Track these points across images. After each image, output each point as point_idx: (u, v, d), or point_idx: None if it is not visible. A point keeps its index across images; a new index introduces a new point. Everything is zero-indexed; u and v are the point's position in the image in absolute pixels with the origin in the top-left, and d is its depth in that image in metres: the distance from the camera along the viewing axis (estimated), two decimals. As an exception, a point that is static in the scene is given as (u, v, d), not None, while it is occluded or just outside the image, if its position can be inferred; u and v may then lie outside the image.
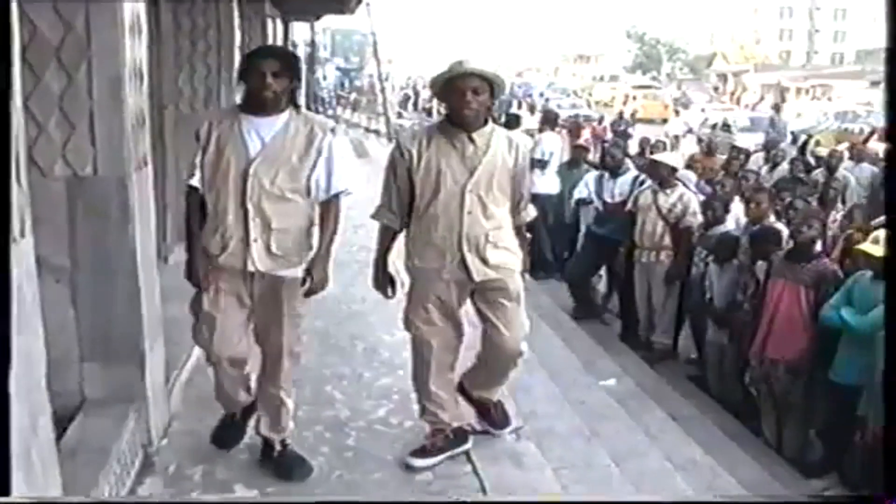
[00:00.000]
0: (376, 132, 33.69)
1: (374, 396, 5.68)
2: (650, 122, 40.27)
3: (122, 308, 4.51)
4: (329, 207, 4.46)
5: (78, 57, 4.27)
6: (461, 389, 5.07)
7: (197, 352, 6.13)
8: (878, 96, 41.76)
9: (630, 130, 24.49)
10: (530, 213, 4.92)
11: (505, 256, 4.68)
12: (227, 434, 4.88)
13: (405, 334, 6.90)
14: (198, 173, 4.40)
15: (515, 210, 4.77)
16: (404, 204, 4.68)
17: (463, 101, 4.45)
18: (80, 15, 4.24)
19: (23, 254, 2.97)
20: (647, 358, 8.52)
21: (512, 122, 13.57)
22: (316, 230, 4.48)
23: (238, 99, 4.56)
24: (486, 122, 4.62)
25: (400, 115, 39.33)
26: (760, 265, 7.14)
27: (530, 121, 19.11)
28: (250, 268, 4.36)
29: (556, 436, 5.23)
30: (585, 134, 17.47)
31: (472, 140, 4.55)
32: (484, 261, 4.61)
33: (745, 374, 7.17)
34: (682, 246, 8.48)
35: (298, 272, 4.43)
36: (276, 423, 4.66)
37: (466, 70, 4.50)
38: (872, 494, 4.76)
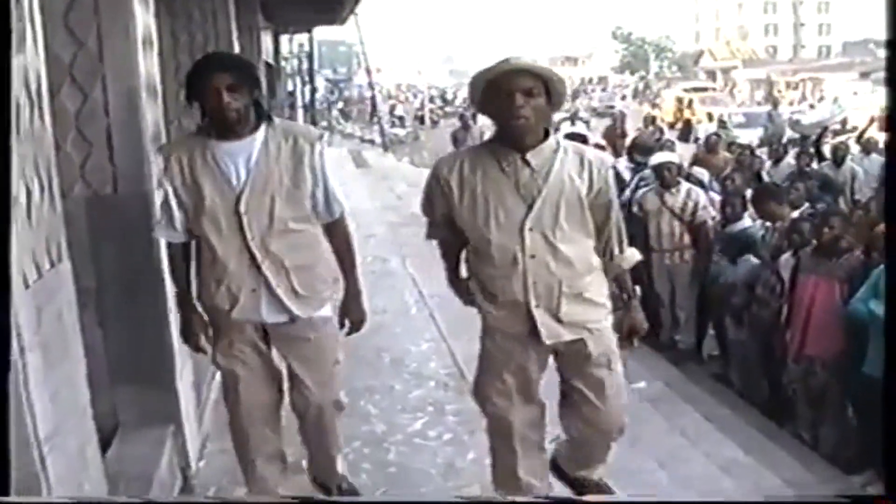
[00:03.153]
0: (371, 142, 33.72)
1: (408, 409, 5.60)
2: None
3: (150, 329, 4.41)
4: (337, 232, 3.96)
5: (91, 74, 4.16)
6: (554, 468, 4.18)
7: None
8: (868, 87, 41.91)
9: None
10: (631, 256, 3.93)
11: (588, 311, 3.73)
12: None
13: (430, 344, 6.93)
14: (172, 221, 3.83)
15: (605, 250, 3.80)
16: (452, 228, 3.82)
17: (512, 107, 3.45)
18: (92, 31, 4.13)
19: (62, 279, 2.86)
20: (673, 358, 8.40)
21: None
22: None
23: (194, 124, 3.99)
24: (545, 135, 3.65)
25: (393, 124, 39.30)
26: (784, 261, 7.01)
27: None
28: (270, 320, 3.86)
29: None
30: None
31: (526, 162, 3.58)
32: (557, 319, 3.67)
33: (776, 373, 7.07)
34: (701, 242, 8.39)
35: (330, 309, 4.01)
36: (334, 470, 4.35)
37: (515, 66, 3.50)
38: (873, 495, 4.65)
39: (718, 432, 6.26)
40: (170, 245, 3.96)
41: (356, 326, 4.06)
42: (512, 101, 3.45)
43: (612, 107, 40.43)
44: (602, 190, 3.70)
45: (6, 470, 2.30)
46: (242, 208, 3.70)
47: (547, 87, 3.53)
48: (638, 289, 4.14)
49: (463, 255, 3.96)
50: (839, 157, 12.30)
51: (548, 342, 3.69)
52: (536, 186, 3.58)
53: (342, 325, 4.03)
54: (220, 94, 3.58)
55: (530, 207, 3.58)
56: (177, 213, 3.80)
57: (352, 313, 4.02)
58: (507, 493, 3.97)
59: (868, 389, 6.09)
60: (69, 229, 4.02)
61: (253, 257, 3.74)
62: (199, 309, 3.96)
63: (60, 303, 2.82)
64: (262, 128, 3.76)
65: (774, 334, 7.08)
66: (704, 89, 50.41)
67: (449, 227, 3.84)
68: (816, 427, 6.75)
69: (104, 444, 4.16)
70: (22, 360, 2.38)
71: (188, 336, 4.01)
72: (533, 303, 3.64)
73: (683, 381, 7.70)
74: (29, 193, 2.57)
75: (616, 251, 3.84)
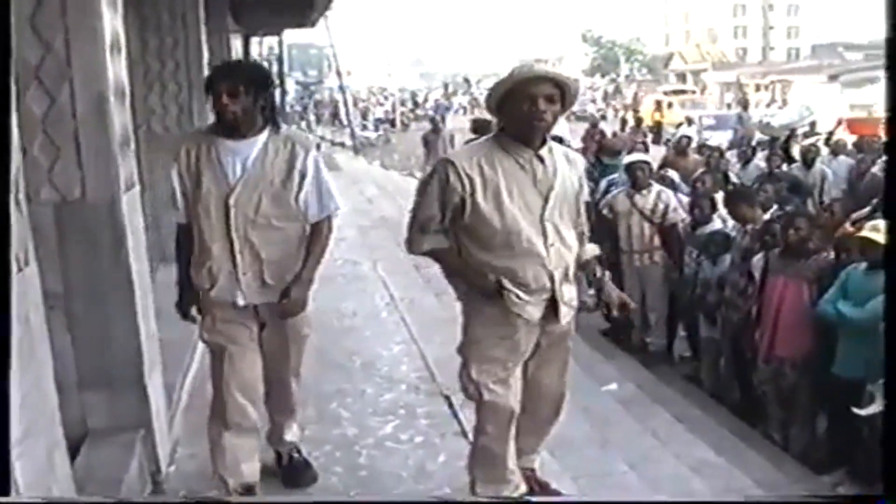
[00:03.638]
0: (342, 144, 33.68)
1: (379, 413, 5.58)
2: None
3: (119, 333, 4.37)
4: (320, 228, 4.25)
5: (59, 78, 4.11)
6: None
7: (192, 374, 6.01)
8: (837, 90, 42.23)
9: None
10: (592, 249, 4.22)
11: (575, 291, 4.06)
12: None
13: (402, 347, 6.91)
14: (180, 205, 4.23)
15: (579, 241, 4.09)
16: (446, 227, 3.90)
17: (535, 110, 3.67)
18: (59, 34, 4.08)
19: (28, 283, 2.84)
20: (644, 360, 8.43)
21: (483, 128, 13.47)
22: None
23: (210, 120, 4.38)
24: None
25: (364, 128, 39.26)
26: (756, 261, 7.05)
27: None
28: (240, 302, 4.16)
29: (570, 444, 5.11)
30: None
31: (540, 159, 3.81)
32: (563, 301, 3.95)
33: (747, 374, 7.12)
34: (672, 244, 8.43)
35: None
36: (281, 437, 4.68)
37: (539, 73, 3.78)
38: (873, 495, 4.67)
39: (689, 433, 6.30)
40: (179, 227, 4.33)
41: (292, 308, 4.21)
42: (535, 105, 3.67)
43: (584, 110, 40.18)
44: (583, 187, 4.08)
45: (6, 470, 2.28)
46: (232, 201, 4.05)
47: (563, 94, 3.75)
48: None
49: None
50: (809, 159, 12.37)
51: (563, 322, 3.98)
52: (548, 181, 3.83)
53: (280, 303, 4.19)
54: (221, 97, 3.97)
55: (546, 200, 3.82)
56: (180, 198, 4.20)
57: (294, 292, 4.17)
58: (495, 480, 4.11)
59: (837, 390, 6.15)
60: (36, 234, 4.01)
61: (232, 246, 4.09)
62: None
63: (27, 307, 2.79)
64: (266, 132, 4.11)
65: (744, 335, 7.12)
66: (683, 92, 50.44)
67: (447, 228, 3.90)
68: (787, 427, 6.80)
69: (73, 449, 4.13)
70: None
71: (181, 308, 4.36)
72: (556, 288, 3.89)
73: (654, 383, 7.75)
74: (-4, 198, 2.54)
75: (585, 242, 4.16)
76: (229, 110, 3.98)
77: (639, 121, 26.70)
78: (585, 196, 4.19)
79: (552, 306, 3.93)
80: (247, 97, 4.00)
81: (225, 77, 4.06)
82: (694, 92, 53.02)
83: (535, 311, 3.92)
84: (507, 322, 3.92)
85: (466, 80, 77.72)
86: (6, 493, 2.28)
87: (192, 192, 4.15)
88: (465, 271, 3.95)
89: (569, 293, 3.98)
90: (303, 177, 4.11)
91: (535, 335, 4.00)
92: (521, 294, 3.86)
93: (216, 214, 4.09)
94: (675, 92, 48.93)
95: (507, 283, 3.85)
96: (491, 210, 3.78)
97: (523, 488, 4.22)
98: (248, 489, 4.27)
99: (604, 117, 19.91)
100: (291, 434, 4.71)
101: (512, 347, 3.97)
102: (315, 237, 4.23)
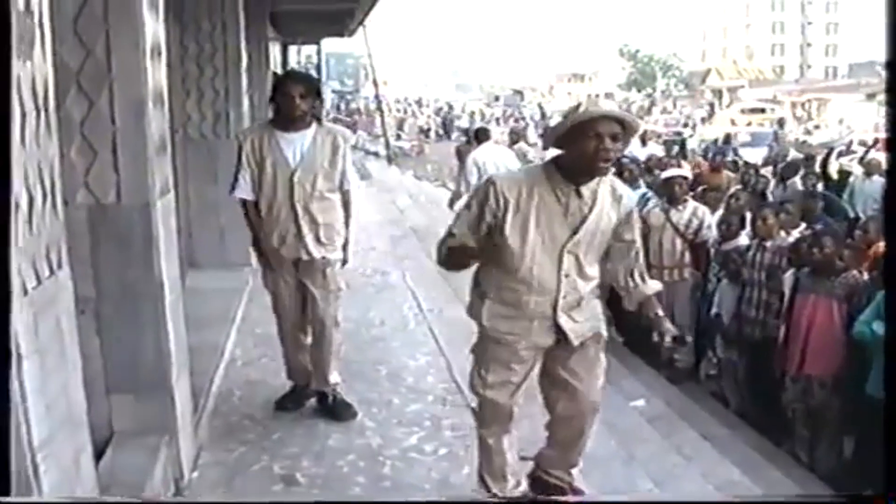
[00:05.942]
0: (376, 154, 33.69)
1: (405, 423, 5.58)
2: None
3: (148, 338, 4.38)
4: (348, 199, 5.56)
5: (99, 82, 4.15)
6: (534, 475, 4.51)
7: (219, 380, 6.05)
8: (874, 108, 41.88)
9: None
10: (653, 285, 4.33)
11: (596, 308, 4.18)
12: (290, 401, 5.80)
13: (429, 358, 6.90)
14: (245, 184, 5.36)
15: (628, 281, 4.23)
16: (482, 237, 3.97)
17: (601, 148, 3.73)
18: (100, 39, 4.12)
19: (61, 286, 2.87)
20: (671, 377, 8.38)
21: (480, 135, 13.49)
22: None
23: (268, 116, 5.62)
24: None
25: (399, 137, 39.30)
26: (787, 278, 7.01)
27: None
28: (304, 257, 5.40)
29: (595, 460, 5.06)
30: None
31: (579, 194, 3.89)
32: (575, 321, 4.05)
33: (773, 392, 7.07)
34: (700, 261, 8.39)
35: (339, 254, 5.54)
36: (327, 379, 5.64)
37: (607, 112, 3.83)
38: (873, 495, 4.61)
39: (715, 451, 6.24)
40: (244, 203, 5.45)
41: (344, 262, 5.65)
42: (602, 144, 3.72)
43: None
44: (627, 221, 4.08)
45: (6, 470, 2.31)
46: (296, 179, 5.29)
47: (624, 133, 3.83)
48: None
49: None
50: (842, 179, 12.30)
51: (576, 342, 4.07)
52: (581, 215, 3.91)
53: (343, 263, 5.60)
54: (294, 98, 5.21)
55: (574, 233, 3.91)
56: (248, 179, 5.36)
57: (343, 253, 5.59)
58: (489, 472, 4.32)
59: (871, 410, 6.08)
60: (70, 237, 4.06)
61: (296, 214, 5.33)
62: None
63: (59, 310, 2.82)
64: (314, 126, 5.37)
65: (772, 353, 7.08)
66: (762, 111, 48.35)
67: (479, 239, 3.95)
68: (814, 447, 6.75)
69: (98, 453, 4.17)
70: (18, 366, 2.38)
71: (260, 253, 5.62)
72: (560, 315, 3.99)
73: (682, 400, 7.68)
74: (31, 200, 2.56)
75: (639, 280, 4.25)
76: (300, 108, 5.23)
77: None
78: (636, 233, 4.21)
79: (560, 330, 4.04)
80: (311, 99, 5.29)
81: (298, 82, 5.37)
82: (773, 111, 50.02)
83: (539, 339, 4.08)
84: (509, 342, 4.09)
85: (519, 93, 77.71)
86: (6, 492, 2.30)
87: (258, 173, 5.33)
88: (459, 255, 3.97)
89: (580, 316, 4.06)
90: (343, 160, 5.41)
91: (542, 352, 4.14)
92: (512, 318, 4.03)
93: (282, 189, 5.30)
94: (754, 111, 47.13)
95: (492, 307, 4.06)
96: (514, 234, 3.89)
97: (524, 486, 4.42)
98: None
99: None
100: (334, 377, 5.68)
101: (516, 360, 4.11)
102: (348, 205, 5.56)
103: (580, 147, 3.77)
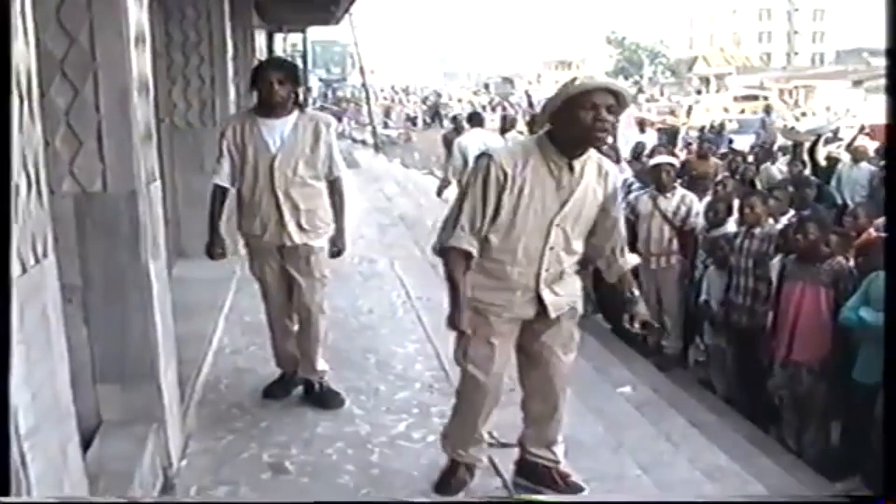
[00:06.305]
0: (363, 142, 33.65)
1: (393, 411, 5.58)
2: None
3: (135, 327, 4.36)
4: (335, 189, 5.51)
5: (83, 70, 4.12)
6: (520, 459, 4.61)
7: (207, 369, 6.05)
8: (861, 95, 41.96)
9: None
10: (630, 259, 4.39)
11: (575, 283, 4.28)
12: (278, 389, 5.81)
13: (417, 346, 6.91)
14: (222, 171, 5.37)
15: (611, 252, 4.29)
16: (483, 226, 4.03)
17: (597, 120, 3.80)
18: (84, 27, 4.09)
19: (47, 274, 2.85)
20: (659, 364, 8.40)
21: (474, 119, 13.57)
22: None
23: (249, 104, 5.64)
24: None
25: (386, 125, 39.23)
26: (773, 266, 7.04)
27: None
28: (287, 243, 5.39)
29: (583, 446, 5.10)
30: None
31: (570, 167, 3.97)
32: (556, 293, 4.14)
33: (760, 379, 7.11)
34: (689, 248, 8.40)
35: (324, 241, 5.52)
36: (314, 367, 5.66)
37: (602, 85, 3.89)
38: (873, 495, 4.65)
39: (703, 438, 6.25)
40: (216, 187, 5.42)
41: (339, 252, 5.65)
42: (597, 114, 3.81)
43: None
44: (612, 197, 4.18)
45: (6, 470, 2.30)
46: (276, 165, 5.27)
47: (618, 105, 3.90)
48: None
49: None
50: (830, 165, 12.34)
51: (554, 315, 4.18)
52: (571, 188, 4.00)
53: (331, 253, 5.59)
54: (273, 84, 5.20)
55: (562, 206, 4.00)
56: (227, 166, 5.38)
57: (339, 241, 5.60)
58: (465, 442, 4.44)
59: (858, 396, 6.13)
60: (56, 226, 4.02)
61: (278, 200, 5.31)
62: (222, 233, 5.56)
63: (44, 299, 2.80)
64: (295, 113, 5.36)
65: (759, 339, 7.10)
66: (755, 98, 46.37)
67: (479, 225, 4.02)
68: (801, 433, 6.78)
69: (86, 442, 4.15)
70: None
71: (211, 251, 5.55)
72: (542, 287, 4.10)
73: (669, 387, 7.69)
74: (16, 188, 2.55)
75: (619, 255, 4.31)
76: (279, 94, 5.21)
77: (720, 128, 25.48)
78: (619, 210, 4.33)
79: (541, 302, 4.14)
80: (290, 85, 5.28)
81: (276, 69, 5.36)
82: (766, 98, 47.60)
83: (521, 311, 4.18)
84: (493, 313, 4.18)
85: (509, 81, 77.60)
86: (6, 492, 2.29)
87: (239, 160, 5.34)
88: (453, 294, 4.09)
89: (561, 290, 4.17)
90: (326, 147, 5.37)
91: (519, 324, 4.24)
92: (497, 289, 4.11)
93: (263, 176, 5.29)
94: (746, 98, 45.93)
95: (484, 302, 4.13)
96: (509, 208, 3.96)
97: (485, 453, 4.58)
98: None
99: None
100: (321, 364, 5.70)
101: (495, 334, 4.19)
102: (334, 197, 5.51)
103: (577, 118, 3.83)
